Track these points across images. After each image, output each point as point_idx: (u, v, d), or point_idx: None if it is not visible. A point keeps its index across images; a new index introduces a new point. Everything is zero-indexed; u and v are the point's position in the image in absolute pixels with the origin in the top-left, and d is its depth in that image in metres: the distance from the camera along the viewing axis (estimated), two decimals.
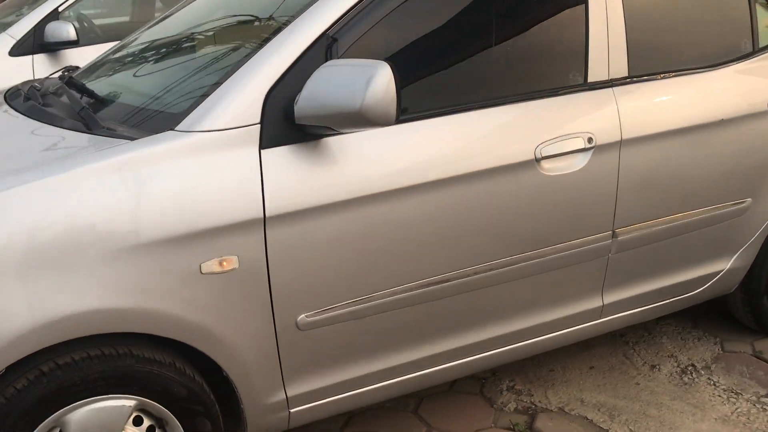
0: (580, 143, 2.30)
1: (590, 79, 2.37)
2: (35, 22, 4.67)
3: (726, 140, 2.61)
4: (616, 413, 2.65)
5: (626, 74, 2.44)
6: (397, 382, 2.29)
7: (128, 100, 2.14)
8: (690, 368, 2.93)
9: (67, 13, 4.97)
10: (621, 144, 2.38)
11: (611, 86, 2.40)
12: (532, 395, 2.77)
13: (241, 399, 2.01)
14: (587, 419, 2.63)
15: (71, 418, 1.79)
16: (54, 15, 4.76)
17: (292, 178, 1.92)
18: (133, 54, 2.54)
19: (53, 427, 1.80)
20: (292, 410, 2.12)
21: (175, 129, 1.88)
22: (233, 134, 1.88)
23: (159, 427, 1.94)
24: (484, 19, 2.23)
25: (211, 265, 1.84)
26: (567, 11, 2.37)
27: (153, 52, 2.46)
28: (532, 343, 2.50)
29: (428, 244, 2.12)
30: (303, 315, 2.00)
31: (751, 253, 2.87)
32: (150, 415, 1.92)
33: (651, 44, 2.55)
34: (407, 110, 2.09)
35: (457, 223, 2.14)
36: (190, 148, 1.84)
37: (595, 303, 2.55)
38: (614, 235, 2.46)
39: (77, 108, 2.05)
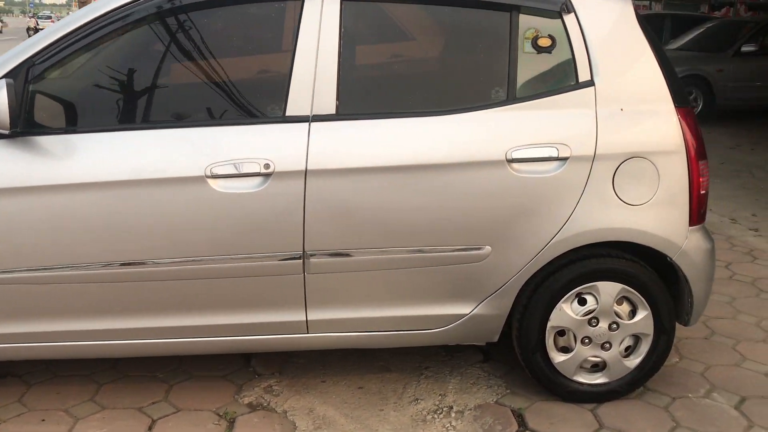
0: (256, 168, 2.59)
1: (288, 113, 2.64)
2: None
3: (450, 184, 2.66)
4: (324, 426, 2.83)
5: (333, 111, 2.65)
6: (95, 345, 2.76)
7: None
8: (445, 409, 2.95)
9: None
10: (306, 174, 2.61)
11: (309, 121, 2.63)
12: (278, 396, 3.04)
13: None
14: (294, 424, 2.84)
15: None
16: None
17: None
18: None
19: None
20: None
21: None
22: None
23: None
24: (177, 50, 2.66)
25: None
26: (274, 48, 2.68)
27: None
28: (235, 340, 2.81)
29: (92, 233, 2.59)
30: None
31: (503, 303, 2.82)
32: None
33: (373, 85, 2.72)
34: (100, 123, 2.62)
35: (123, 219, 2.58)
36: None
37: (298, 317, 2.78)
38: (306, 256, 2.68)
39: None
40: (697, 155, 2.77)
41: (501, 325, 2.88)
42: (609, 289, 2.82)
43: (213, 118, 2.66)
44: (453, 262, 2.75)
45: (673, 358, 3.36)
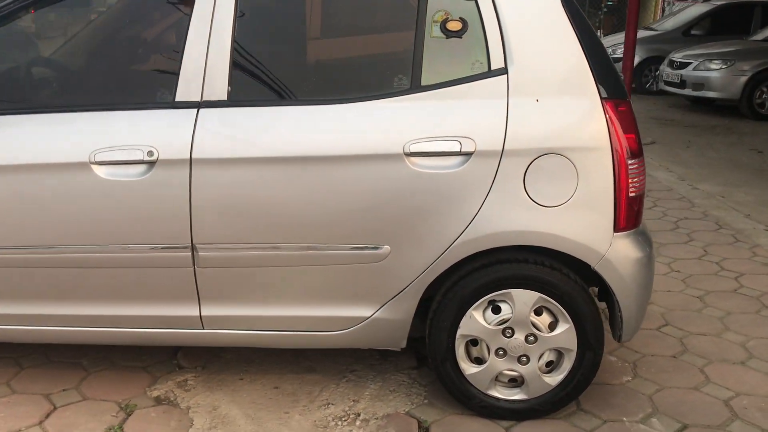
0: (140, 155, 2.50)
1: (178, 98, 2.53)
2: None
3: (345, 178, 2.49)
4: (220, 426, 2.72)
5: (225, 98, 2.52)
6: None
7: None
8: (352, 416, 2.79)
9: None
10: (192, 162, 2.49)
11: (197, 107, 2.52)
12: (188, 392, 2.95)
13: None
14: (192, 421, 2.74)
15: None
16: None
17: None
18: None
19: None
20: None
21: None
22: None
23: None
24: (65, 31, 2.60)
25: None
26: (167, 30, 2.57)
27: None
28: (130, 332, 2.74)
29: None
30: None
31: (406, 306, 2.62)
32: None
33: (269, 71, 2.57)
34: None
35: (7, 205, 2.55)
36: None
37: (192, 312, 2.67)
38: (194, 249, 2.57)
39: None
40: (627, 153, 2.48)
41: (406, 331, 2.68)
42: (525, 297, 2.57)
43: (100, 102, 2.59)
44: (350, 262, 2.57)
45: (624, 377, 3.05)
